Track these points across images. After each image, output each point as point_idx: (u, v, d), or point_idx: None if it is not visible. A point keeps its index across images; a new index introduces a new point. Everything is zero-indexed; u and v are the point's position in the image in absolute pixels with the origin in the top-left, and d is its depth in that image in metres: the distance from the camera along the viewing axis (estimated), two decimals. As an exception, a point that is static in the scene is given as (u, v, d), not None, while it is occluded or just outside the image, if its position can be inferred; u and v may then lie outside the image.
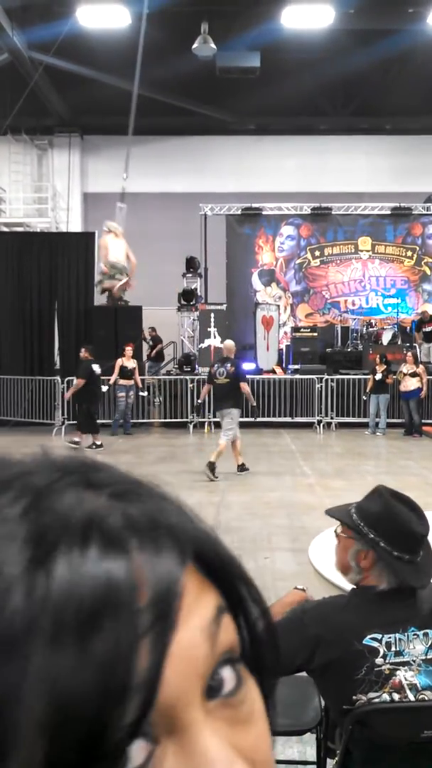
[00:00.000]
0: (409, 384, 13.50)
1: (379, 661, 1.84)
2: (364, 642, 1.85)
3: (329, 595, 2.10)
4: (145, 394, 14.26)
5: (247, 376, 10.58)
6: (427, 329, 16.07)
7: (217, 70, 16.74)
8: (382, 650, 1.84)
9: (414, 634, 1.88)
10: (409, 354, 14.00)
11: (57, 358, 16.00)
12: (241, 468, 9.49)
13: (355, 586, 1.99)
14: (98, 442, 11.83)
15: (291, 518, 7.25)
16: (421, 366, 13.98)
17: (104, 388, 13.73)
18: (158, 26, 15.14)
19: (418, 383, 13.51)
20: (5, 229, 19.76)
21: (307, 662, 1.89)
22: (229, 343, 10.34)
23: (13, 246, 16.23)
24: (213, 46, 15.81)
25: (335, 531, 2.05)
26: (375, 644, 1.85)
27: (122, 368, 13.46)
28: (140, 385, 13.79)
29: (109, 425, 13.64)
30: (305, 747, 2.88)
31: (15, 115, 17.17)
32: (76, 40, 15.34)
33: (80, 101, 19.68)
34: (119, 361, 13.50)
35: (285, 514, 7.42)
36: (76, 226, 21.07)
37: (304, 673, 1.96)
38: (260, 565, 5.67)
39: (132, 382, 13.56)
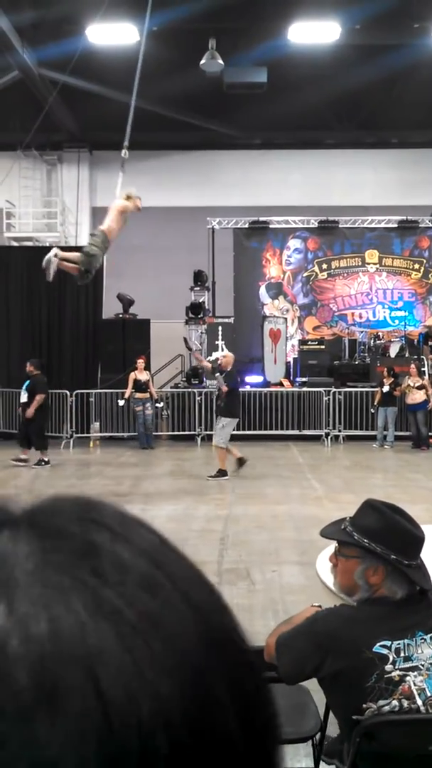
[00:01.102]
0: (417, 397, 13.49)
1: (388, 667, 1.85)
2: (374, 650, 1.86)
3: (339, 604, 2.11)
4: (161, 405, 14.26)
5: (244, 386, 12.40)
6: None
7: (225, 86, 16.88)
8: (391, 657, 1.86)
9: (422, 639, 1.90)
10: (412, 366, 13.95)
11: (67, 372, 16.06)
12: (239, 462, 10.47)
13: (362, 599, 2.01)
14: (46, 459, 11.53)
15: (299, 531, 7.24)
16: (426, 378, 13.96)
17: (121, 402, 13.75)
18: (166, 43, 15.31)
19: (425, 395, 13.50)
20: (15, 244, 19.91)
21: (317, 670, 1.90)
22: (227, 356, 11.15)
23: (22, 260, 16.36)
24: (220, 61, 15.96)
25: (334, 554, 2.05)
26: (384, 651, 1.86)
27: (136, 381, 13.45)
28: (155, 396, 13.78)
29: (130, 439, 13.71)
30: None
31: (24, 130, 17.35)
32: (85, 57, 15.51)
33: (89, 117, 19.86)
34: (132, 375, 13.50)
35: (293, 528, 7.42)
36: (84, 240, 21.15)
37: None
38: (268, 579, 5.67)
39: (147, 395, 13.53)
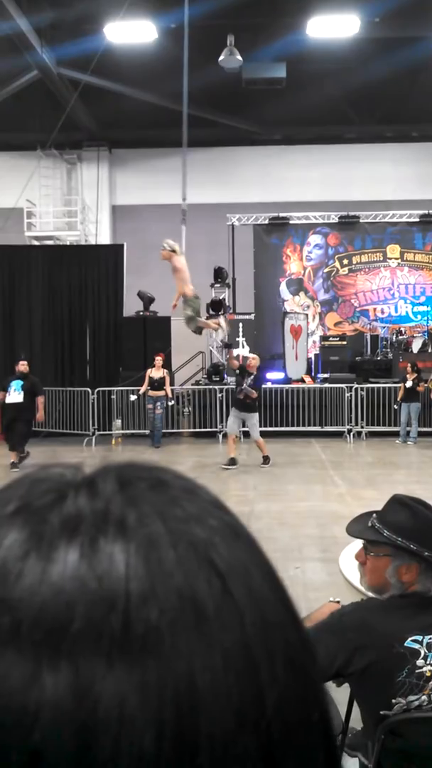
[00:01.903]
0: (440, 392, 13.38)
1: (420, 662, 1.83)
2: (405, 644, 1.84)
3: (367, 598, 2.09)
4: (173, 402, 14.23)
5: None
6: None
7: (243, 82, 16.83)
8: (423, 651, 1.83)
9: None
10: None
11: (88, 370, 16.17)
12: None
13: (393, 594, 1.98)
14: (23, 457, 11.18)
15: (321, 528, 7.22)
16: None
17: (132, 398, 13.80)
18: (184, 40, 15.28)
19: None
20: (36, 243, 20.04)
21: (345, 666, 1.87)
22: (256, 358, 11.65)
23: (43, 259, 16.46)
24: (239, 58, 15.91)
25: (363, 552, 2.03)
26: (416, 646, 1.84)
27: (150, 379, 13.49)
28: (170, 395, 13.75)
29: (142, 436, 13.74)
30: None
31: (44, 130, 17.44)
32: (104, 55, 15.56)
33: (108, 115, 19.92)
34: (148, 372, 13.54)
35: (315, 524, 7.40)
36: (105, 238, 21.28)
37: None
38: (291, 576, 5.66)
39: (161, 393, 13.48)
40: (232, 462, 10.88)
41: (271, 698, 0.30)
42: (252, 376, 10.93)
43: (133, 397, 13.78)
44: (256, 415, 11.13)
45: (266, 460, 11.02)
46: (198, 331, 10.82)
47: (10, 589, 0.29)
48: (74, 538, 0.31)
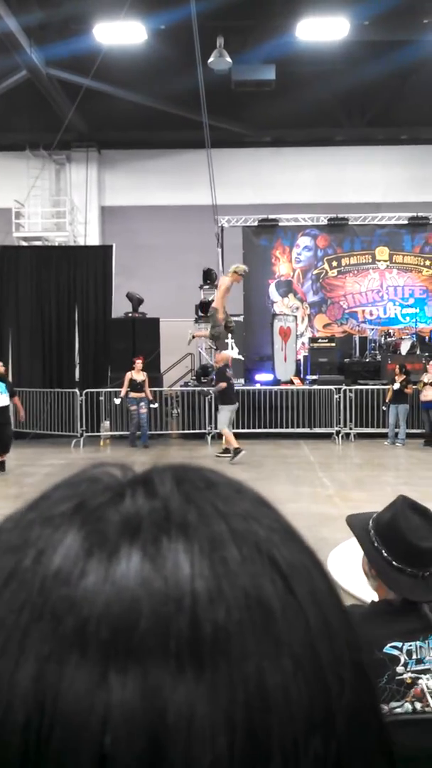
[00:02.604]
0: (430, 394, 13.40)
1: (400, 669, 1.82)
2: (384, 650, 1.83)
3: (349, 605, 2.07)
4: (156, 405, 14.20)
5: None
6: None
7: (233, 84, 16.85)
8: (402, 658, 1.82)
9: None
10: (431, 363, 13.90)
11: (77, 371, 16.10)
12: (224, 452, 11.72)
13: (374, 600, 1.98)
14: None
15: (310, 530, 7.20)
16: None
17: (116, 401, 13.80)
18: (174, 41, 15.29)
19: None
20: (24, 243, 19.96)
21: None
22: (219, 356, 12.59)
23: (32, 260, 16.39)
24: (228, 59, 15.92)
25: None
26: (396, 652, 1.82)
27: (132, 381, 13.51)
28: (150, 397, 13.73)
29: (125, 437, 13.72)
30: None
31: (33, 130, 17.40)
32: (93, 56, 15.53)
33: (97, 116, 19.87)
34: (129, 374, 13.55)
35: (304, 526, 7.19)
36: (93, 239, 21.23)
37: None
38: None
39: (143, 394, 13.54)
40: (237, 451, 11.28)
41: (339, 701, 0.29)
42: (214, 371, 12.09)
43: (117, 401, 13.78)
44: (223, 408, 11.90)
45: (235, 452, 11.29)
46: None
47: (74, 588, 0.28)
48: (136, 537, 0.30)
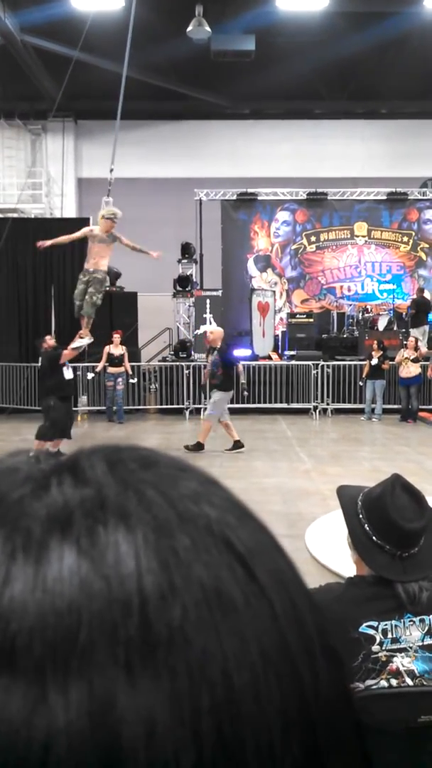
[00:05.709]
0: (411, 370, 13.48)
1: (375, 648, 1.82)
2: (360, 630, 1.83)
3: (324, 583, 2.08)
4: (135, 380, 14.15)
5: (239, 361, 11.64)
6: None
7: (212, 54, 16.58)
8: (378, 637, 1.83)
9: (410, 621, 1.86)
10: (411, 339, 13.97)
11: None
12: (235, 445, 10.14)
13: (350, 576, 1.98)
14: None
15: (287, 504, 7.25)
16: (422, 350, 14.00)
17: (90, 375, 13.73)
18: (152, 9, 14.97)
19: (419, 369, 13.51)
20: (-1, 215, 19.62)
21: None
22: (215, 332, 10.95)
23: (7, 232, 16.10)
24: (207, 29, 15.65)
25: None
26: (371, 632, 1.83)
27: (110, 355, 13.43)
28: (130, 372, 13.68)
29: (103, 412, 13.65)
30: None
31: (7, 99, 17.01)
32: (69, 23, 15.17)
33: (74, 85, 19.43)
34: (107, 348, 13.47)
35: (281, 501, 7.42)
36: (70, 211, 20.93)
37: None
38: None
39: (121, 369, 13.47)
40: (198, 447, 10.10)
41: (314, 694, 0.27)
42: (215, 351, 10.25)
43: (90, 375, 13.68)
44: (219, 394, 10.07)
45: (197, 446, 10.03)
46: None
47: None
48: (68, 532, 0.26)
